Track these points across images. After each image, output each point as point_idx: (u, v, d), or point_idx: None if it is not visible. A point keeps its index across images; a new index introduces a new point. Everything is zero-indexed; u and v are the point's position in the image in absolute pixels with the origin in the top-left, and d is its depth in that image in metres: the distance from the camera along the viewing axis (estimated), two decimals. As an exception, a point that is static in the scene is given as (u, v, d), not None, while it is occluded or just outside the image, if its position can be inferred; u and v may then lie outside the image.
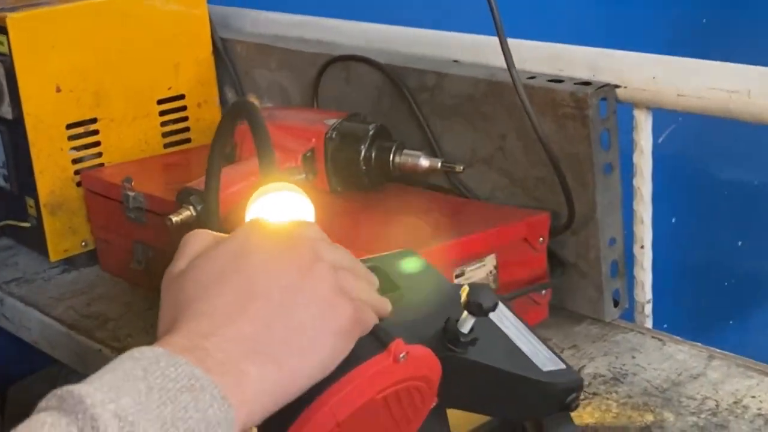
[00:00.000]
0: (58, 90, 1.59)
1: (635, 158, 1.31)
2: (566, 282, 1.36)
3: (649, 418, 1.11)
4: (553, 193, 1.33)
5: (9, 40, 1.53)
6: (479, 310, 0.83)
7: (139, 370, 0.64)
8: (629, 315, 1.38)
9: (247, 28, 1.84)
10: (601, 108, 1.27)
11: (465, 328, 0.85)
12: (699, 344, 1.26)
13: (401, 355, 0.74)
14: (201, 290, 0.72)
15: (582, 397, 1.16)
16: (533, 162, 1.35)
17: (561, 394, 0.92)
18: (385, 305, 0.79)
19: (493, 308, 0.84)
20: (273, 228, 0.75)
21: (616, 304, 1.36)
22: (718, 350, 1.24)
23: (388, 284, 0.88)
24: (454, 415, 0.88)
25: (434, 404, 0.82)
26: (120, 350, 1.35)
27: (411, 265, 0.96)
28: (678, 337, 1.29)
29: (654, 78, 1.24)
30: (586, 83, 1.28)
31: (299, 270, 0.72)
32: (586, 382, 1.19)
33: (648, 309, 1.36)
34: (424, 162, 1.40)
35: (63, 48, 1.58)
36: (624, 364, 1.23)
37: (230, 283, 0.71)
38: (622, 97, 1.28)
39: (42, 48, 1.56)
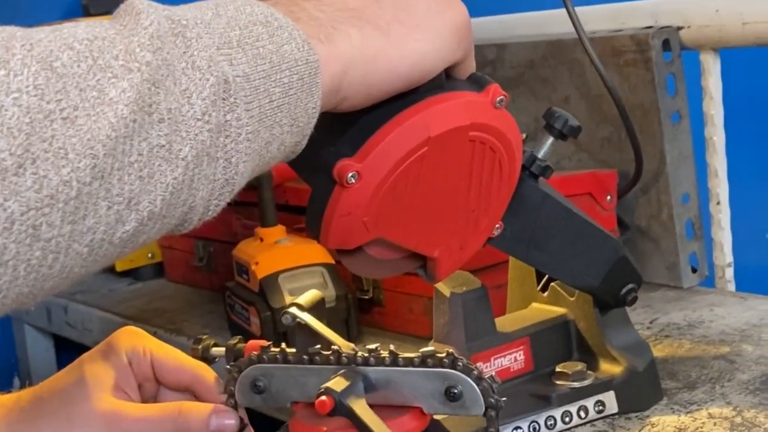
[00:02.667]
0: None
1: (705, 106, 1.24)
2: (639, 249, 1.27)
3: (725, 349, 1.01)
4: (620, 152, 1.26)
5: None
6: (564, 126, 0.78)
7: (211, 5, 0.58)
8: (710, 282, 1.28)
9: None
10: (664, 52, 1.21)
11: (542, 153, 0.79)
12: (785, 297, 1.17)
13: (499, 99, 0.70)
14: None
15: (651, 337, 1.07)
16: (597, 121, 1.29)
17: (621, 269, 0.85)
18: None
19: (578, 130, 0.78)
20: None
21: (694, 270, 1.27)
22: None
23: None
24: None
25: (498, 228, 0.76)
26: (175, 331, 1.32)
27: None
28: (763, 295, 1.19)
29: (717, 11, 1.18)
30: (648, 28, 1.23)
31: None
32: (658, 329, 1.10)
33: (729, 273, 1.26)
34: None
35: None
36: (701, 315, 1.14)
37: None
38: (686, 41, 1.22)
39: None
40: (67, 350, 1.84)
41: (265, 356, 0.77)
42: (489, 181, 0.71)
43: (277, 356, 0.77)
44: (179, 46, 0.54)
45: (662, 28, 1.21)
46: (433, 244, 0.72)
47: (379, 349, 0.74)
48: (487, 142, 0.70)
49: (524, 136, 1.33)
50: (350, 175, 0.65)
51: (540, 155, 0.79)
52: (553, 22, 1.34)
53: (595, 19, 1.31)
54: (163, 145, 0.52)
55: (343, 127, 0.66)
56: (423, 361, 0.73)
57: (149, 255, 1.64)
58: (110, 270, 1.64)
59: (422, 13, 0.65)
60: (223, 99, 0.54)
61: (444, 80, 0.68)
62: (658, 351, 1.03)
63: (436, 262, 0.73)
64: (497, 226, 0.76)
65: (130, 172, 0.51)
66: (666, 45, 1.21)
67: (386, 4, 0.64)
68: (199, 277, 1.51)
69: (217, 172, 0.55)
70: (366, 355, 0.74)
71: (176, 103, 0.53)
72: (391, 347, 0.72)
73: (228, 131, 0.55)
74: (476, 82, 0.70)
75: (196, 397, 0.80)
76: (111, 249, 0.52)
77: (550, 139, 0.79)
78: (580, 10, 1.24)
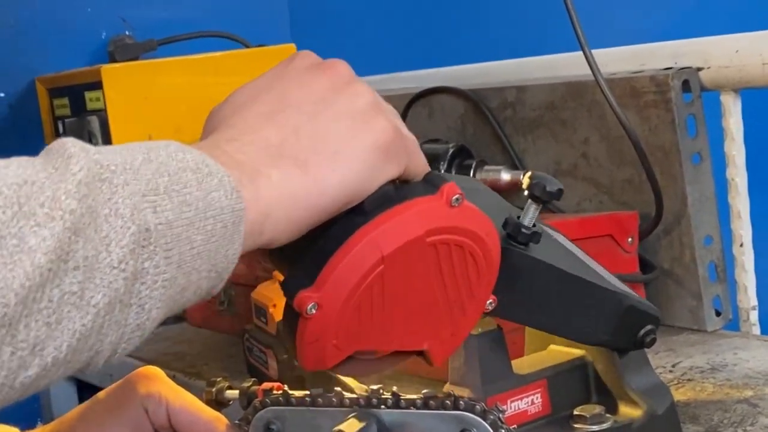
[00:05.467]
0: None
1: (726, 147, 1.23)
2: (662, 292, 1.26)
3: (749, 393, 1.00)
4: (642, 193, 1.25)
5: (104, 90, 1.56)
6: (543, 192, 0.77)
7: (144, 149, 0.58)
8: (734, 326, 1.26)
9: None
10: (684, 93, 1.20)
11: (527, 220, 0.78)
12: (811, 341, 1.15)
13: (455, 198, 0.67)
14: (235, 108, 0.67)
15: (674, 381, 1.06)
16: (618, 163, 1.28)
17: (632, 317, 0.83)
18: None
19: (558, 194, 0.77)
20: (313, 55, 0.71)
21: (718, 314, 1.25)
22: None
23: None
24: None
25: (491, 303, 0.74)
26: (194, 375, 1.32)
27: (469, 182, 0.91)
28: (789, 340, 1.17)
29: (737, 52, 1.17)
30: (668, 69, 1.22)
31: (335, 85, 0.67)
32: (680, 373, 1.09)
33: (754, 316, 1.24)
34: (506, 175, 1.35)
35: (156, 100, 1.60)
36: (724, 359, 1.12)
37: (263, 99, 0.67)
38: (706, 82, 1.21)
39: (135, 99, 1.59)
40: (90, 394, 1.83)
41: (279, 399, 0.77)
42: (464, 273, 0.70)
43: (291, 398, 0.76)
44: (105, 192, 0.54)
45: (682, 69, 1.21)
46: (419, 341, 0.71)
47: (392, 391, 0.73)
48: (449, 241, 0.68)
49: (545, 178, 1.33)
50: (309, 306, 0.65)
51: (525, 222, 0.77)
52: (572, 64, 1.34)
53: (615, 61, 1.31)
54: (75, 292, 0.52)
55: (302, 249, 0.66)
56: (440, 403, 0.73)
57: (171, 299, 1.64)
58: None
59: (341, 138, 0.64)
60: (143, 247, 0.54)
61: (392, 193, 0.67)
62: (680, 395, 1.01)
63: (429, 352, 0.72)
64: (489, 301, 0.74)
65: (37, 319, 0.50)
66: (686, 86, 1.21)
67: (304, 135, 0.64)
68: (221, 321, 1.51)
69: (129, 317, 0.55)
70: (380, 397, 0.74)
71: (94, 251, 0.52)
72: (394, 389, 0.72)
73: (144, 278, 0.55)
74: (431, 184, 0.68)
75: None
76: (11, 393, 0.51)
77: (533, 206, 0.78)
78: (600, 52, 1.24)
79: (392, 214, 0.66)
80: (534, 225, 0.78)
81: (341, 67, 0.68)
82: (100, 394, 0.85)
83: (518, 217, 0.78)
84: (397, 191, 0.67)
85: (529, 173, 0.78)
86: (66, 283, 0.51)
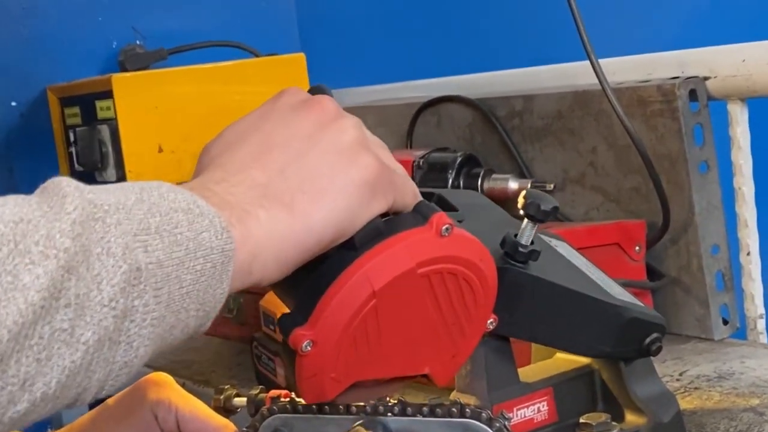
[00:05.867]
0: (160, 150, 1.62)
1: (733, 155, 1.23)
2: (669, 300, 1.26)
3: (755, 401, 1.00)
4: (649, 202, 1.25)
5: (114, 99, 1.57)
6: (537, 211, 0.77)
7: (136, 189, 0.59)
8: (741, 334, 1.27)
9: (345, 100, 1.85)
10: (691, 102, 1.21)
11: (524, 239, 0.79)
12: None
13: (444, 227, 0.68)
14: (222, 148, 0.68)
15: (681, 389, 1.06)
16: (625, 172, 1.28)
17: (636, 328, 0.84)
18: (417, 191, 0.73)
19: (553, 212, 0.78)
20: (301, 92, 0.72)
21: (725, 322, 1.25)
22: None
23: (444, 205, 0.83)
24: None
25: (491, 322, 0.75)
26: (203, 383, 1.33)
27: (473, 198, 0.91)
28: (796, 348, 1.17)
29: (744, 61, 1.18)
30: (674, 78, 1.23)
31: (321, 123, 0.68)
32: (687, 382, 1.09)
33: (761, 325, 1.24)
34: (513, 184, 1.35)
35: (166, 109, 1.62)
36: (731, 367, 1.12)
37: (250, 139, 0.68)
38: (713, 91, 1.22)
39: (145, 108, 1.60)
40: (99, 402, 1.84)
41: (286, 406, 0.77)
42: (460, 299, 0.70)
43: (298, 406, 0.77)
44: (98, 231, 0.55)
45: (689, 78, 1.21)
46: (419, 365, 0.71)
47: (398, 398, 0.74)
48: (441, 270, 0.68)
49: (551, 186, 1.34)
50: (305, 344, 0.66)
51: (523, 241, 0.78)
52: (580, 74, 1.34)
53: (621, 70, 1.31)
54: (66, 329, 0.52)
55: (296, 285, 0.67)
56: (446, 411, 0.73)
57: (180, 307, 1.64)
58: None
59: (326, 176, 0.65)
60: (133, 285, 0.55)
61: (381, 227, 0.67)
62: (686, 403, 1.01)
63: (431, 375, 0.72)
64: (490, 320, 0.74)
65: (28, 355, 0.51)
66: (693, 95, 1.21)
67: (291, 174, 0.65)
68: (230, 328, 1.51)
69: (117, 355, 0.55)
70: (387, 404, 0.74)
71: (86, 289, 0.53)
72: (401, 397, 0.72)
73: (133, 316, 0.55)
74: (420, 214, 0.69)
75: None
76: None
77: (530, 224, 0.78)
78: (607, 62, 1.25)
79: (382, 248, 0.66)
80: (532, 242, 0.78)
81: (327, 104, 0.69)
82: (110, 401, 0.86)
83: (515, 235, 0.79)
84: (386, 224, 0.67)
85: (523, 192, 0.78)
86: (57, 320, 0.52)
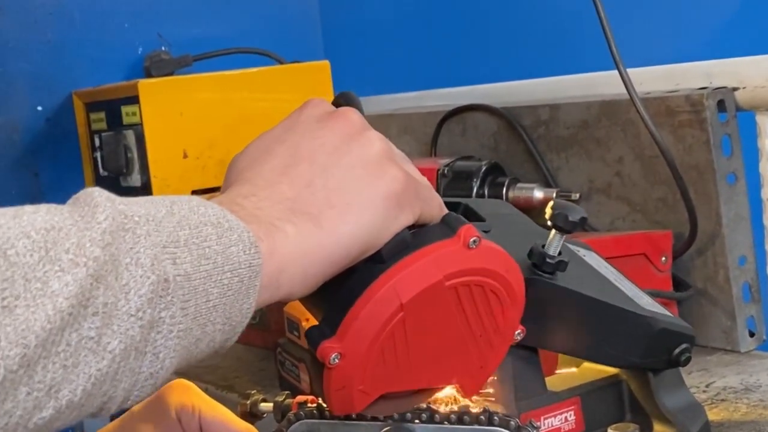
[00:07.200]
0: (185, 156, 1.62)
1: (761, 167, 1.22)
2: (695, 312, 1.26)
3: (784, 414, 0.99)
4: (676, 213, 1.25)
5: (140, 105, 1.58)
6: (565, 222, 0.77)
7: (167, 202, 0.60)
8: (767, 347, 1.26)
9: (370, 108, 1.85)
10: (719, 113, 1.20)
11: (552, 249, 0.78)
12: None
13: (472, 240, 0.68)
14: (249, 161, 0.69)
15: (707, 401, 1.05)
16: (652, 182, 1.28)
17: (665, 338, 0.83)
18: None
19: (581, 222, 0.78)
20: (325, 103, 0.72)
21: (752, 334, 1.24)
22: None
23: (471, 215, 0.83)
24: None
25: (519, 333, 0.75)
26: (226, 388, 1.33)
27: (499, 207, 0.91)
28: (823, 361, 1.16)
29: (773, 72, 1.17)
30: (703, 89, 1.22)
31: (348, 135, 0.68)
32: (714, 393, 1.08)
33: (788, 337, 1.24)
34: (538, 193, 1.35)
35: (191, 115, 1.62)
36: (758, 379, 1.11)
37: (277, 152, 0.68)
38: (742, 102, 1.21)
39: (171, 113, 1.60)
40: (122, 413, 1.84)
41: (313, 412, 0.77)
42: (487, 311, 0.70)
43: (325, 412, 0.77)
44: (127, 241, 0.55)
45: (717, 88, 1.21)
46: (447, 377, 0.72)
47: (426, 405, 0.73)
48: (469, 283, 0.68)
49: (577, 196, 1.33)
50: (333, 357, 0.66)
51: (550, 252, 0.78)
52: (606, 83, 1.34)
53: (649, 80, 1.31)
54: (93, 337, 0.53)
55: (324, 298, 0.67)
56: (474, 419, 0.73)
57: (203, 312, 1.64)
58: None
59: (354, 189, 0.65)
60: (161, 297, 0.55)
61: (409, 240, 0.67)
62: (713, 415, 1.00)
63: (459, 386, 0.72)
64: (518, 331, 0.74)
65: (55, 361, 0.51)
66: (721, 106, 1.20)
67: (318, 188, 0.65)
68: (253, 335, 1.51)
69: (143, 365, 0.56)
70: (414, 411, 0.74)
71: (113, 298, 0.53)
72: (423, 405, 0.72)
73: (160, 328, 0.56)
74: (448, 226, 0.69)
75: None
76: None
77: (557, 235, 0.78)
78: (635, 71, 1.24)
79: (410, 261, 0.66)
80: (560, 253, 0.78)
81: (352, 116, 0.70)
82: (135, 408, 0.86)
83: (543, 246, 0.78)
84: (414, 237, 0.68)
85: (551, 203, 0.78)
86: (84, 328, 0.52)
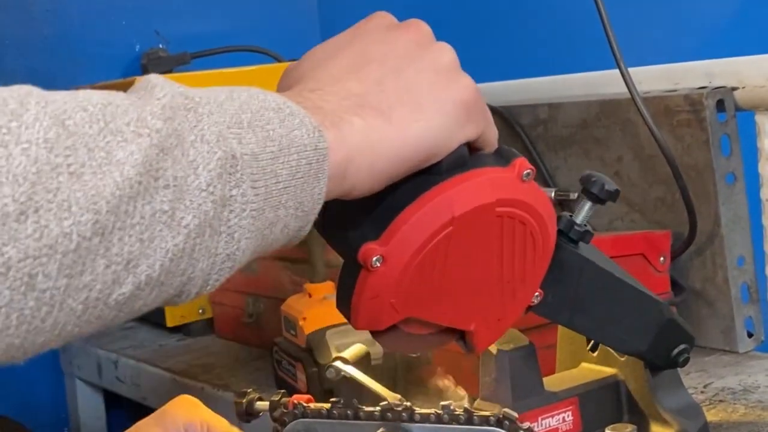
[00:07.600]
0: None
1: (760, 167, 1.22)
2: (694, 312, 1.25)
3: (782, 415, 0.99)
4: (674, 212, 1.24)
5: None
6: (601, 191, 0.77)
7: (226, 90, 0.58)
8: (766, 347, 1.25)
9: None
10: (718, 112, 1.20)
11: (581, 218, 0.78)
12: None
13: (525, 172, 0.68)
14: (314, 64, 0.67)
15: (705, 402, 1.05)
16: (651, 182, 1.27)
17: (671, 331, 0.83)
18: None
19: (616, 194, 0.77)
20: (391, 15, 0.70)
21: (750, 335, 1.24)
22: None
23: None
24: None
25: (537, 296, 0.74)
26: (222, 387, 1.32)
27: None
28: (822, 362, 1.16)
29: (773, 72, 1.16)
30: (702, 88, 1.22)
31: (419, 43, 0.67)
32: (712, 394, 1.08)
33: (787, 338, 1.23)
34: (537, 193, 1.34)
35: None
36: (756, 380, 1.11)
37: (344, 54, 0.66)
38: (741, 101, 1.20)
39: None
40: (117, 405, 1.84)
41: (308, 411, 0.77)
42: (522, 253, 0.70)
43: (321, 411, 0.76)
44: (190, 119, 0.54)
45: (716, 88, 1.20)
46: (468, 319, 0.71)
47: (422, 405, 0.73)
48: (515, 216, 0.68)
49: (575, 195, 1.33)
50: (374, 259, 0.65)
51: (578, 220, 0.77)
52: (606, 83, 1.34)
53: (648, 79, 1.30)
54: (166, 211, 0.52)
55: (369, 207, 0.66)
56: (469, 418, 0.72)
57: (200, 311, 1.64)
58: (161, 325, 1.65)
59: (425, 91, 0.64)
60: (230, 174, 0.54)
61: (467, 157, 0.67)
62: (711, 416, 1.00)
63: (474, 334, 0.72)
64: (536, 294, 0.74)
65: (130, 234, 0.51)
66: (720, 105, 1.20)
67: (388, 86, 0.64)
68: (249, 333, 1.51)
69: (219, 246, 0.55)
70: (410, 411, 0.74)
71: (182, 172, 0.53)
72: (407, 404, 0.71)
73: (232, 206, 0.55)
74: (502, 157, 0.69)
75: None
76: (106, 311, 0.51)
77: (588, 204, 0.78)
78: (634, 71, 1.24)
79: (467, 177, 0.66)
80: (586, 225, 0.78)
81: (423, 27, 0.68)
82: (141, 423, 0.85)
83: (570, 216, 0.78)
84: (472, 158, 0.67)
85: (586, 172, 0.77)
86: (157, 200, 0.51)
